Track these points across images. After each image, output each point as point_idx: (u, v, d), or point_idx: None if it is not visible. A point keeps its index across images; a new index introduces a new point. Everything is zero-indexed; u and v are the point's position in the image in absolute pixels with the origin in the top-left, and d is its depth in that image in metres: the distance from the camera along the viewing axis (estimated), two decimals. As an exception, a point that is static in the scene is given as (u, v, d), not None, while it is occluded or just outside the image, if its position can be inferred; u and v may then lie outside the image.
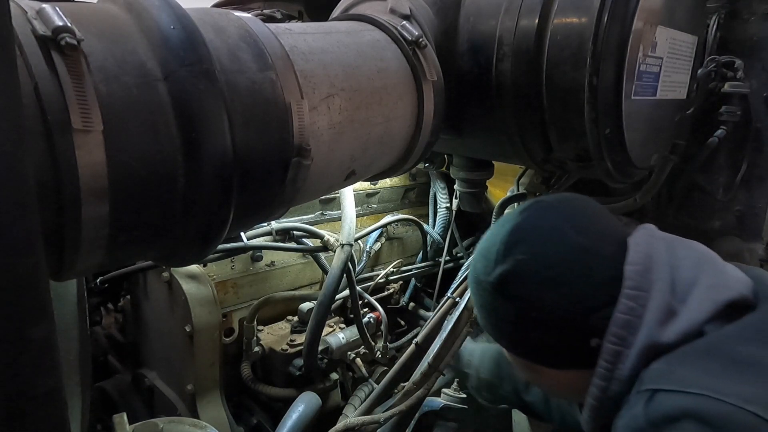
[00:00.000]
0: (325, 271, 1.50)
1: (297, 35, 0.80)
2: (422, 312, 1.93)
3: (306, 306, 1.52)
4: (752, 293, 0.74)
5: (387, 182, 1.90)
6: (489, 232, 0.85)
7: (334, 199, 1.70)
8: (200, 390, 1.38)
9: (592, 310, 0.73)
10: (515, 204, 1.41)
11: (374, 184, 1.86)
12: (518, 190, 1.43)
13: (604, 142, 0.99)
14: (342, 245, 1.41)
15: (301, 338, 1.44)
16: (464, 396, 1.45)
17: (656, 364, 0.68)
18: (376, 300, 1.70)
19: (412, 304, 1.95)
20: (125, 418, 0.95)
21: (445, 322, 1.24)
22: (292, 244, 1.49)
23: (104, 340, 1.65)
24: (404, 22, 0.96)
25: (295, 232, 1.49)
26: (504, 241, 0.78)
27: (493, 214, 1.39)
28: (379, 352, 1.61)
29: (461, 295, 1.24)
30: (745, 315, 0.71)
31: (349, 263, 1.41)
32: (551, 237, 0.77)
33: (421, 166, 1.81)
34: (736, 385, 0.61)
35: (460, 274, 1.31)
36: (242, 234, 1.39)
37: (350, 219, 1.45)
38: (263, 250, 1.50)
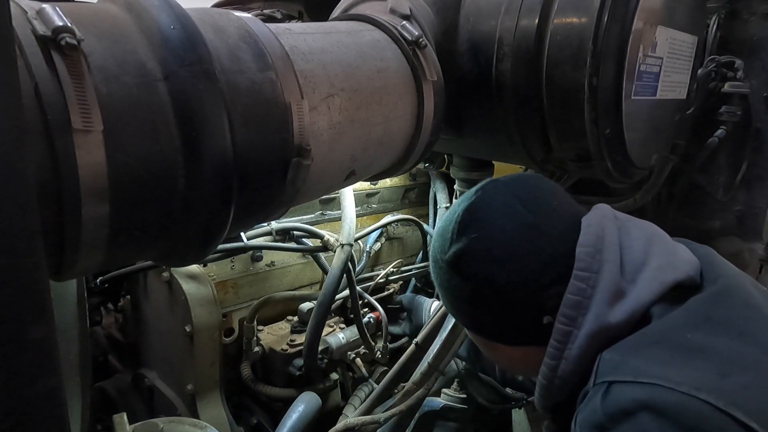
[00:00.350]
0: (325, 271, 1.50)
1: (297, 35, 0.80)
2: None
3: (306, 306, 1.52)
4: (699, 274, 0.76)
5: (387, 182, 1.90)
6: (447, 213, 0.86)
7: (334, 199, 1.70)
8: (200, 390, 1.38)
9: (542, 287, 0.75)
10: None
11: (374, 184, 1.86)
12: (518, 190, 1.43)
13: (604, 142, 0.99)
14: (342, 245, 1.41)
15: (301, 338, 1.44)
16: (464, 396, 1.45)
17: (609, 354, 0.69)
18: (376, 300, 1.70)
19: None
20: (125, 418, 0.95)
21: (445, 322, 1.24)
22: (292, 244, 1.49)
23: (104, 340, 1.65)
24: (404, 22, 0.96)
25: (295, 232, 1.49)
26: (458, 220, 0.80)
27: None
28: (379, 352, 1.61)
29: (461, 295, 1.24)
30: (691, 296, 0.72)
31: (349, 263, 1.41)
32: (502, 215, 0.78)
33: (421, 166, 1.81)
34: (687, 372, 0.62)
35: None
36: (242, 234, 1.39)
37: (350, 219, 1.45)
38: (263, 250, 1.50)
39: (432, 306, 1.65)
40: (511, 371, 1.09)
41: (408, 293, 1.77)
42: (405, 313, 1.74)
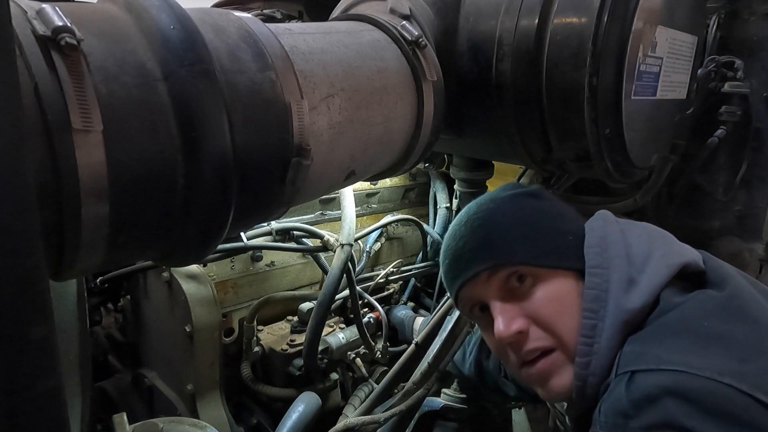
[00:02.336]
0: (325, 271, 1.50)
1: (297, 35, 0.80)
2: (422, 311, 1.93)
3: (306, 306, 1.52)
4: (702, 262, 0.80)
5: (387, 182, 1.90)
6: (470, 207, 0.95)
7: (334, 199, 1.70)
8: (200, 390, 1.38)
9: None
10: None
11: (374, 184, 1.86)
12: (518, 190, 1.43)
13: (604, 142, 0.99)
14: (342, 245, 1.41)
15: (301, 338, 1.44)
16: (464, 396, 1.45)
17: (629, 346, 0.72)
18: (376, 300, 1.70)
19: (411, 303, 1.95)
20: (125, 418, 0.95)
21: (445, 322, 1.24)
22: (292, 244, 1.49)
23: (104, 340, 1.65)
24: (404, 22, 0.96)
25: (295, 232, 1.49)
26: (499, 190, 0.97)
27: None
28: (379, 352, 1.61)
29: (461, 295, 1.24)
30: (698, 282, 0.77)
31: (349, 263, 1.41)
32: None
33: (421, 166, 1.81)
34: (708, 359, 0.64)
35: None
36: (242, 234, 1.39)
37: (350, 219, 1.45)
38: (263, 250, 1.50)
39: (415, 323, 1.66)
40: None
41: (394, 313, 1.78)
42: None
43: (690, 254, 0.80)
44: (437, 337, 1.23)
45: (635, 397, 0.65)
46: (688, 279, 0.78)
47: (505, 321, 0.83)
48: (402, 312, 1.77)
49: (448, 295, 1.25)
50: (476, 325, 1.26)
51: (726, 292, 0.73)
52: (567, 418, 0.89)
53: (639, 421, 0.63)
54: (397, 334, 1.77)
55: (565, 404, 0.90)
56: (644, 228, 0.87)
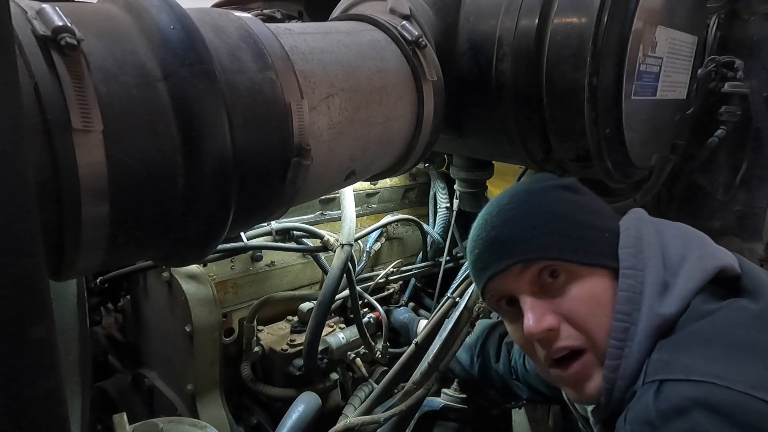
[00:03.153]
0: (325, 271, 1.50)
1: (297, 35, 0.80)
2: (422, 312, 1.93)
3: (306, 306, 1.52)
4: (738, 265, 0.78)
5: (387, 182, 1.90)
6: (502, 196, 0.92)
7: (334, 199, 1.70)
8: (200, 390, 1.38)
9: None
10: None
11: (374, 184, 1.86)
12: (518, 190, 1.43)
13: (604, 142, 0.99)
14: (342, 245, 1.41)
15: (301, 338, 1.44)
16: (464, 396, 1.45)
17: (657, 354, 0.70)
18: (376, 300, 1.70)
19: (412, 304, 1.95)
20: (125, 418, 0.95)
21: (445, 322, 1.24)
22: (292, 244, 1.49)
23: (104, 340, 1.65)
24: (404, 22, 0.96)
25: (295, 232, 1.49)
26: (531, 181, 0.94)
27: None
28: (379, 352, 1.61)
29: (461, 295, 1.24)
30: (733, 288, 0.75)
31: (349, 263, 1.41)
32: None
33: (421, 166, 1.81)
34: (740, 370, 0.61)
35: (460, 274, 1.31)
36: (242, 234, 1.39)
37: (350, 219, 1.44)
38: (263, 250, 1.50)
39: (419, 326, 1.66)
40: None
41: (395, 315, 1.78)
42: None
43: (726, 257, 0.78)
44: (437, 337, 1.23)
45: (663, 407, 0.63)
46: (723, 283, 0.76)
47: (535, 317, 0.79)
48: (404, 315, 1.77)
49: (449, 295, 1.26)
50: (476, 325, 1.26)
51: (761, 302, 0.71)
52: (591, 420, 0.87)
53: None
54: (398, 336, 1.78)
55: (588, 408, 0.88)
56: (679, 228, 0.84)
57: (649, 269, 0.76)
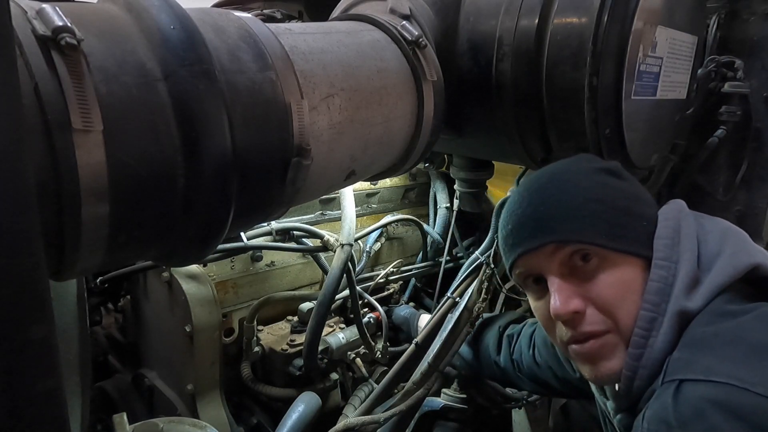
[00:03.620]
0: (325, 271, 1.50)
1: (297, 35, 0.80)
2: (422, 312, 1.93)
3: (306, 306, 1.52)
4: None
5: (387, 182, 1.90)
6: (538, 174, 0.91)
7: (334, 199, 1.70)
8: (200, 390, 1.38)
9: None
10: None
11: (374, 184, 1.86)
12: (518, 190, 1.43)
13: (604, 142, 0.99)
14: (342, 245, 1.41)
15: (301, 338, 1.44)
16: (464, 396, 1.45)
17: (678, 353, 0.70)
18: (376, 300, 1.70)
19: (411, 304, 1.95)
20: (125, 418, 0.95)
21: (445, 322, 1.24)
22: (292, 244, 1.49)
23: (104, 340, 1.65)
24: (404, 22, 0.96)
25: (295, 232, 1.49)
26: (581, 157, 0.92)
27: (493, 214, 1.39)
28: (379, 352, 1.61)
29: (461, 295, 1.25)
30: (765, 290, 0.74)
31: (349, 263, 1.41)
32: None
33: (421, 166, 1.81)
34: (761, 373, 0.61)
35: (460, 274, 1.31)
36: (242, 234, 1.39)
37: (350, 219, 1.44)
38: (263, 250, 1.50)
39: (420, 320, 1.66)
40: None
41: (396, 312, 1.78)
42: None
43: (760, 256, 0.76)
44: (437, 337, 1.23)
45: (682, 407, 0.62)
46: (756, 283, 0.75)
47: (562, 299, 0.79)
48: (405, 311, 1.77)
49: (449, 295, 1.26)
50: (476, 325, 1.26)
51: None
52: (611, 412, 0.87)
53: None
54: (398, 334, 1.77)
55: (608, 403, 0.88)
56: (718, 224, 0.83)
57: (683, 262, 0.76)
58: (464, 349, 1.34)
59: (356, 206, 1.54)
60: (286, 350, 1.45)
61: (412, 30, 0.94)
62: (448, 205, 1.92)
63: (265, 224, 1.45)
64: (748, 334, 0.66)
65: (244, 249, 1.42)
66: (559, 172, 0.87)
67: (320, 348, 1.44)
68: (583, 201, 0.81)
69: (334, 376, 1.55)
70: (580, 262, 0.80)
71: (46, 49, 0.49)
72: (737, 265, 0.74)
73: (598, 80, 0.93)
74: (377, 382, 1.52)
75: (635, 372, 0.75)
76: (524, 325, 1.28)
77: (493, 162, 1.43)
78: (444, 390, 1.47)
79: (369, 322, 1.62)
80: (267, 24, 0.76)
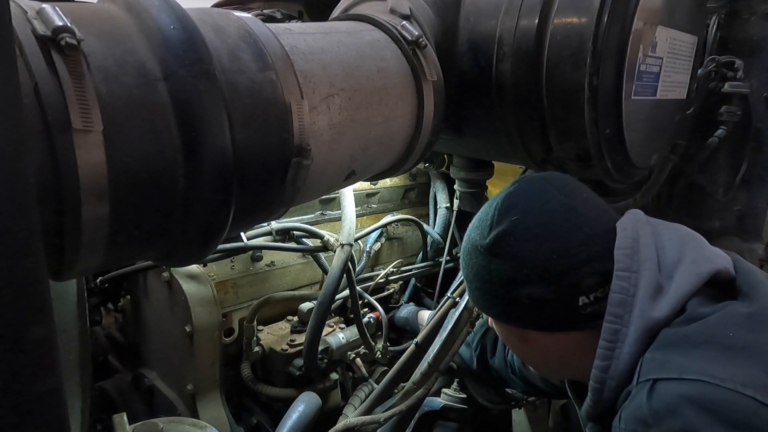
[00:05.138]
0: (325, 271, 1.50)
1: (297, 35, 0.80)
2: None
3: (306, 306, 1.52)
4: (733, 267, 0.79)
5: (387, 182, 1.90)
6: (482, 208, 0.90)
7: (334, 199, 1.70)
8: (200, 390, 1.38)
9: (580, 264, 0.78)
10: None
11: (374, 184, 1.86)
12: (518, 190, 1.43)
13: (604, 142, 0.99)
14: (342, 245, 1.41)
15: (301, 338, 1.44)
16: (464, 396, 1.45)
17: (651, 354, 0.71)
18: (376, 300, 1.70)
19: (411, 304, 1.95)
20: (125, 418, 0.95)
21: (445, 322, 1.24)
22: (292, 244, 1.49)
23: (104, 340, 1.65)
24: (404, 22, 0.96)
25: (295, 232, 1.49)
26: (498, 207, 0.84)
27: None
28: (379, 352, 1.61)
29: (461, 295, 1.24)
30: (728, 290, 0.76)
31: (349, 263, 1.41)
32: (540, 198, 0.82)
33: (421, 166, 1.81)
34: (732, 369, 0.63)
35: (460, 274, 1.31)
36: (242, 234, 1.39)
37: (350, 219, 1.44)
38: (263, 250, 1.50)
39: (420, 317, 1.66)
40: (545, 371, 1.07)
41: (396, 315, 1.79)
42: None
43: (721, 260, 0.78)
44: (437, 337, 1.23)
45: (656, 405, 0.64)
46: (718, 286, 0.77)
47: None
48: (404, 311, 1.78)
49: (449, 295, 1.27)
50: (477, 324, 1.26)
51: (754, 304, 0.72)
52: (582, 420, 0.88)
53: (659, 430, 0.63)
54: (398, 336, 1.78)
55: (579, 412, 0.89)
56: (676, 230, 0.85)
57: (643, 272, 0.76)
58: (463, 350, 1.34)
59: (356, 206, 1.54)
60: (286, 350, 1.45)
61: (412, 30, 0.94)
62: (448, 205, 1.92)
63: (265, 224, 1.45)
64: (717, 333, 0.68)
65: (244, 249, 1.42)
66: (472, 240, 0.87)
67: (320, 348, 1.44)
68: (488, 285, 0.85)
69: (334, 376, 1.55)
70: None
71: (46, 49, 0.49)
72: (700, 272, 0.76)
73: (598, 80, 0.93)
74: (377, 382, 1.52)
75: (603, 384, 0.76)
76: None
77: (493, 162, 1.43)
78: (444, 390, 1.47)
79: (369, 322, 1.62)
80: (267, 24, 0.76)
